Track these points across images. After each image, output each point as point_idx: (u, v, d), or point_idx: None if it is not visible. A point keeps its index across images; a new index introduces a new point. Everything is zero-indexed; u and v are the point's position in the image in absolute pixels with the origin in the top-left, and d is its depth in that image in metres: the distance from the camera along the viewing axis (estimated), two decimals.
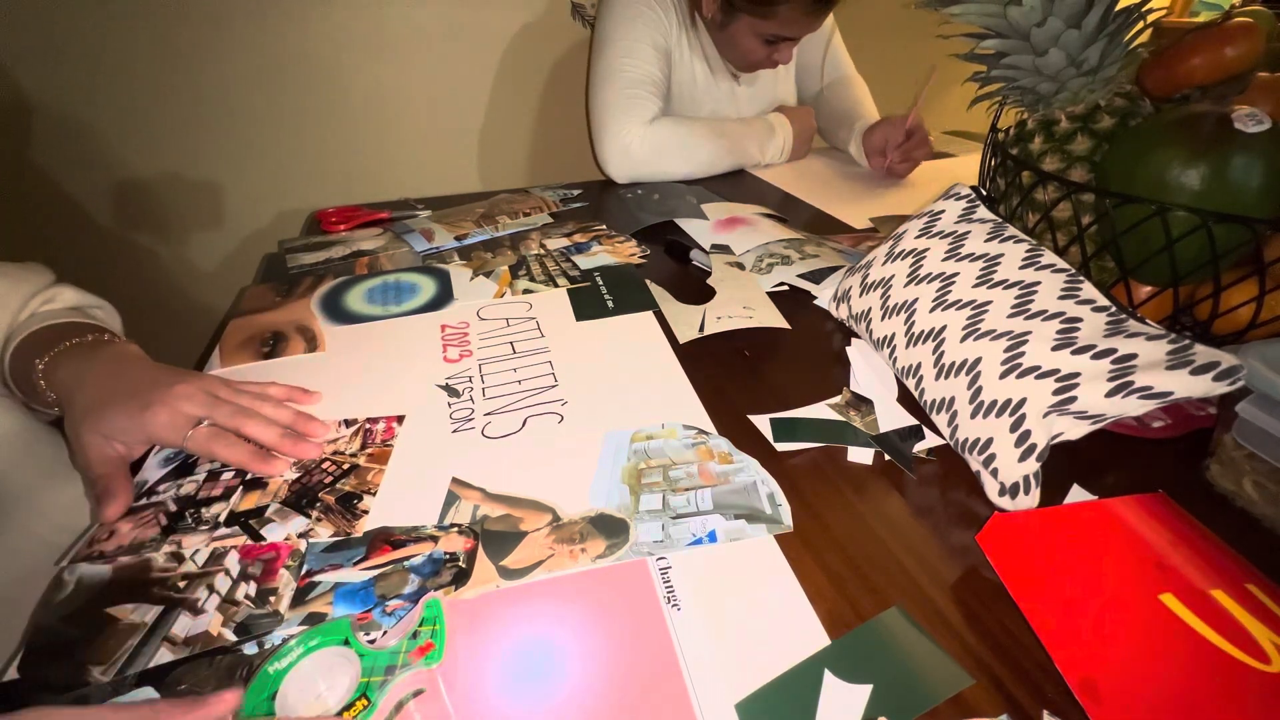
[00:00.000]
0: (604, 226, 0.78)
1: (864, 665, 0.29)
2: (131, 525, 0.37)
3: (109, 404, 0.40)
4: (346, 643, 0.30)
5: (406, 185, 1.29)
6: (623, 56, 0.92)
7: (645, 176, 0.94)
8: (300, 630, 0.31)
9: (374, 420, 0.46)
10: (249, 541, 0.36)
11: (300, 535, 0.37)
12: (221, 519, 0.38)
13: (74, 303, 0.49)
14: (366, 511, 0.38)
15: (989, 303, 0.42)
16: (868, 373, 0.49)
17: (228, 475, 0.41)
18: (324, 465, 0.42)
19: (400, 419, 0.46)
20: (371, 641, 0.30)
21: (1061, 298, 0.40)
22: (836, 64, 1.12)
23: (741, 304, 0.59)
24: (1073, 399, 0.35)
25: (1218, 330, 0.44)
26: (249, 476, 0.41)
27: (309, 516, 0.38)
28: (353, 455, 0.43)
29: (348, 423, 0.46)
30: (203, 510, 0.38)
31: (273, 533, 0.37)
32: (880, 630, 0.31)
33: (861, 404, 0.47)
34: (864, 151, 0.99)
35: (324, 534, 0.37)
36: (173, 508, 0.38)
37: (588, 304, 0.60)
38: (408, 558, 0.35)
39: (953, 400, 0.41)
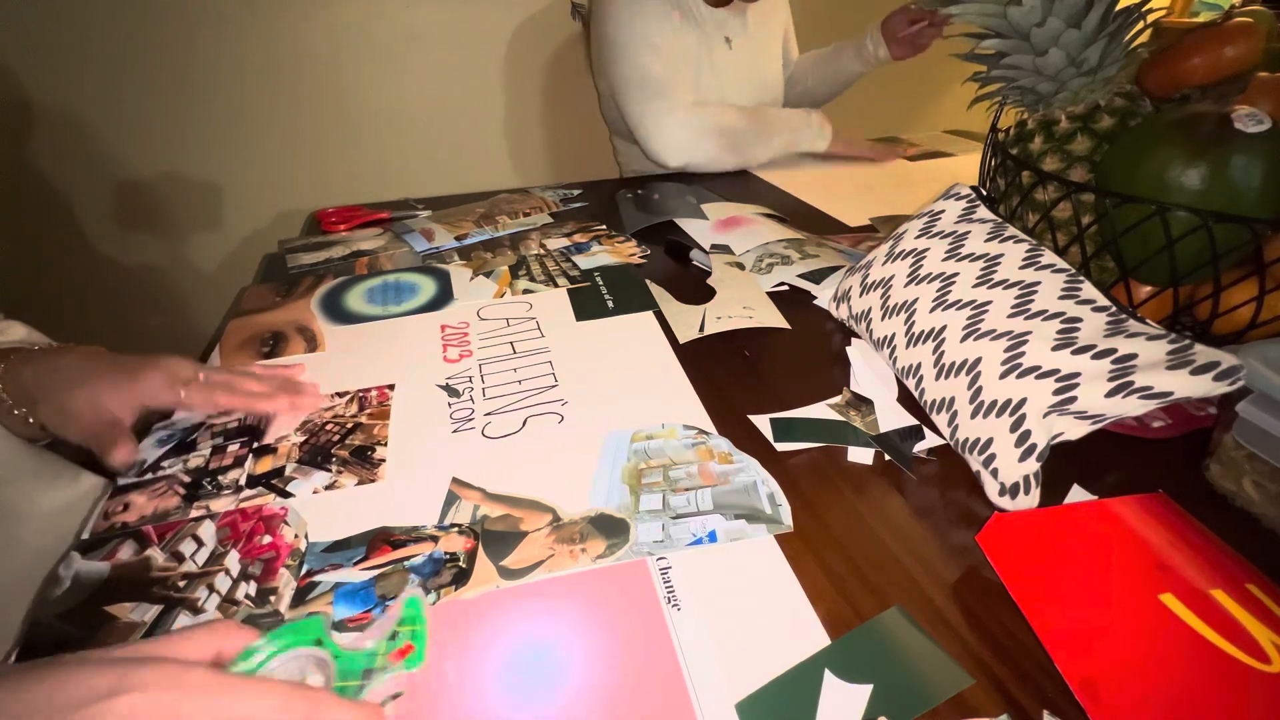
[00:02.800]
0: (604, 226, 0.78)
1: (864, 665, 0.29)
2: (147, 497, 0.39)
3: (94, 379, 0.41)
4: (319, 643, 0.28)
5: (406, 185, 1.29)
6: (645, 49, 0.93)
7: (698, 163, 0.95)
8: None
9: (366, 390, 0.49)
10: (278, 500, 0.39)
11: (327, 488, 0.40)
12: (242, 482, 0.40)
13: (23, 336, 0.49)
14: (384, 460, 0.42)
15: (989, 303, 0.42)
16: (868, 373, 0.49)
17: (234, 446, 0.43)
18: (327, 427, 0.45)
19: (391, 386, 0.49)
20: (348, 642, 0.29)
21: (1061, 298, 0.40)
22: (796, 50, 1.19)
23: (741, 304, 0.59)
24: (1073, 399, 0.35)
25: (1218, 330, 0.44)
26: (256, 445, 0.43)
27: (329, 470, 0.41)
28: (353, 416, 0.46)
29: (340, 394, 0.48)
30: (220, 477, 0.41)
31: (299, 488, 0.39)
32: (880, 630, 0.31)
33: (861, 404, 0.47)
34: (883, 38, 1.04)
35: (349, 484, 0.40)
36: (186, 479, 0.41)
37: (588, 304, 0.60)
38: (408, 558, 0.35)
39: (953, 400, 0.41)
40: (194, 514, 0.38)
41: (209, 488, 0.40)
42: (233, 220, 1.24)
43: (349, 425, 0.45)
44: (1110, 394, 0.34)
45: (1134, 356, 0.34)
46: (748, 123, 0.96)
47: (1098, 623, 0.30)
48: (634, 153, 1.10)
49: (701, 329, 0.56)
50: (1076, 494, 0.39)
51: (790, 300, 0.60)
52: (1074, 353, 0.36)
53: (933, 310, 0.45)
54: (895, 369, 0.48)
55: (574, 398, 0.48)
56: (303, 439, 0.44)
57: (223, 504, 0.39)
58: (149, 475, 0.41)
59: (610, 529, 0.37)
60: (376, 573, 0.34)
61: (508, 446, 0.43)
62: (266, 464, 0.42)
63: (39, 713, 0.21)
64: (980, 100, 0.55)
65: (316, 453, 0.42)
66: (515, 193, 0.92)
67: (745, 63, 1.05)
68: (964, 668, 0.30)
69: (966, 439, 0.39)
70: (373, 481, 0.40)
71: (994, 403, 0.38)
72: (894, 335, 0.47)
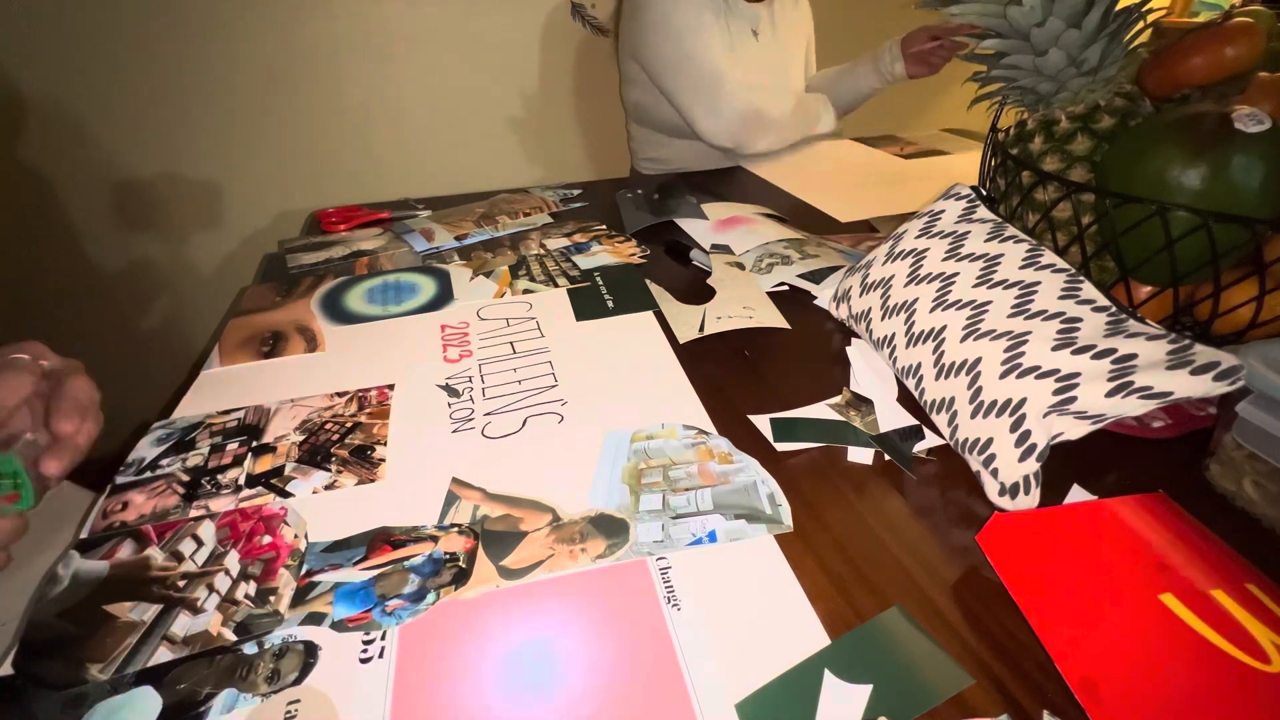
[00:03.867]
0: (604, 226, 0.78)
1: (864, 665, 0.29)
2: (145, 496, 0.39)
3: None
4: None
5: (406, 185, 1.29)
6: (695, 28, 0.96)
7: (749, 143, 0.99)
8: (301, 629, 0.31)
9: (365, 390, 0.49)
10: (277, 500, 0.39)
11: (327, 488, 0.39)
12: (241, 481, 0.40)
13: None
14: (384, 460, 0.42)
15: (989, 303, 0.42)
16: (868, 373, 0.49)
17: (233, 445, 0.43)
18: (326, 426, 0.44)
19: (391, 386, 0.49)
20: None
21: (1061, 298, 0.40)
22: (814, 67, 1.21)
23: (741, 304, 0.59)
24: (1073, 399, 0.35)
25: (1218, 330, 0.44)
26: (255, 444, 0.43)
27: (329, 470, 0.41)
28: (352, 416, 0.46)
29: (340, 394, 0.48)
30: (219, 476, 0.41)
31: (298, 488, 0.39)
32: (880, 630, 0.31)
33: (861, 404, 0.47)
34: (903, 53, 1.05)
35: (349, 483, 0.40)
36: (185, 478, 0.41)
37: (588, 304, 0.60)
38: (408, 558, 0.35)
39: (953, 400, 0.41)
40: (193, 513, 0.38)
41: (208, 487, 0.40)
42: (233, 220, 1.24)
43: (348, 425, 0.45)
44: (1110, 394, 0.34)
45: (1134, 356, 0.34)
46: (793, 106, 1.02)
47: (1098, 623, 0.30)
48: (650, 139, 1.11)
49: (701, 329, 0.56)
50: (1076, 494, 0.39)
51: (790, 300, 0.60)
52: (1074, 353, 0.36)
53: (933, 310, 0.45)
54: (895, 369, 0.48)
55: (574, 398, 0.48)
56: (302, 438, 0.44)
57: (222, 503, 0.39)
58: (147, 474, 0.41)
59: (610, 529, 0.37)
60: (376, 573, 0.34)
61: (508, 446, 0.43)
62: (266, 463, 0.42)
63: None
64: (980, 100, 0.55)
65: (316, 452, 0.42)
66: (515, 193, 0.92)
67: (769, 57, 1.07)
68: (964, 668, 0.29)
69: (966, 439, 0.39)
70: (372, 481, 0.40)
71: (994, 403, 0.38)
72: (894, 335, 0.47)
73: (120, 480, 0.41)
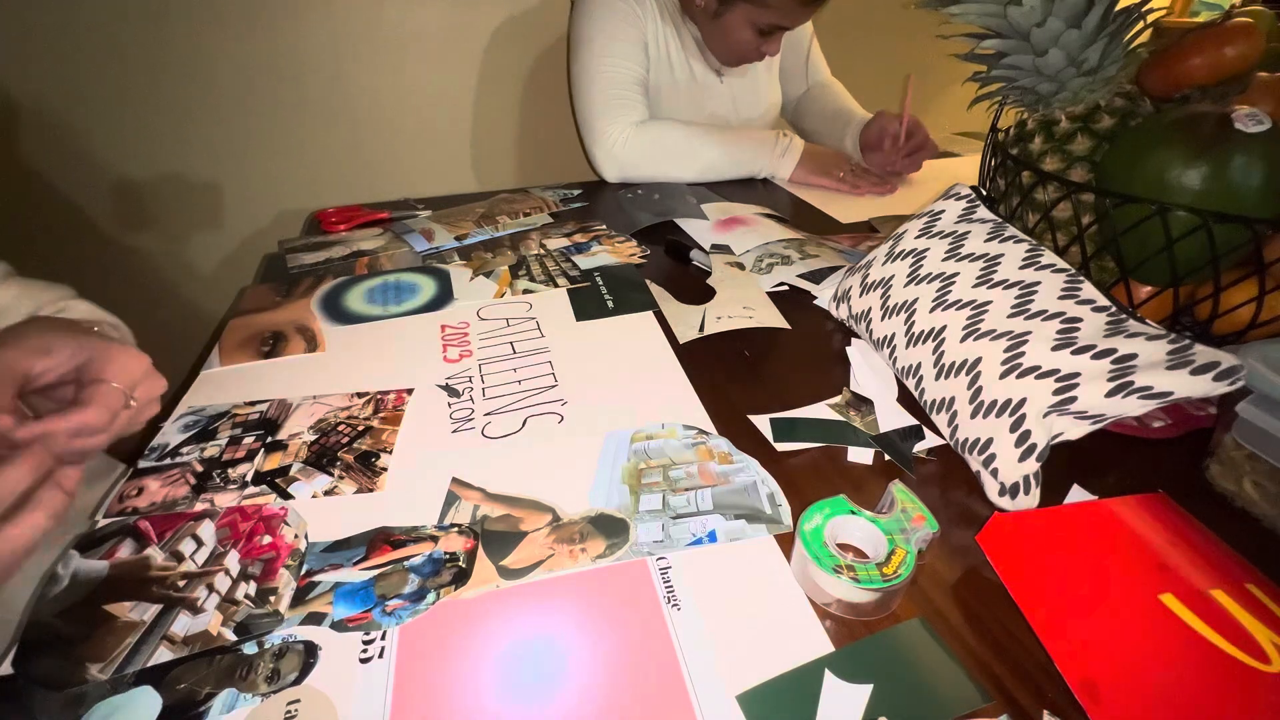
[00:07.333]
0: (604, 226, 0.78)
1: (870, 671, 0.29)
2: (160, 484, 0.40)
3: None
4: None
5: (406, 185, 1.29)
6: (603, 56, 0.91)
7: (637, 178, 0.94)
8: (301, 629, 0.31)
9: (385, 392, 0.49)
10: (278, 500, 0.39)
11: (326, 493, 0.40)
12: (249, 478, 0.40)
13: (83, 314, 0.47)
14: (385, 469, 0.41)
15: (989, 303, 0.42)
16: (868, 373, 0.49)
17: (249, 439, 0.44)
18: (339, 428, 0.45)
19: (410, 391, 0.49)
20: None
21: (1061, 298, 0.40)
22: (818, 68, 1.14)
23: (741, 304, 0.59)
24: (1073, 399, 0.35)
25: (1218, 330, 0.44)
26: (269, 439, 0.43)
27: (331, 475, 0.41)
28: (366, 419, 0.46)
29: (360, 395, 0.48)
30: (229, 470, 0.41)
31: (299, 490, 0.40)
32: (892, 641, 0.31)
33: (861, 404, 0.47)
34: (859, 147, 0.99)
35: (348, 490, 0.40)
36: (199, 468, 0.41)
37: (588, 304, 0.60)
38: (408, 558, 0.35)
39: (953, 400, 0.41)
40: (198, 506, 0.38)
41: (217, 480, 0.40)
42: (233, 220, 1.24)
43: (360, 428, 0.45)
44: (1110, 394, 0.34)
45: (1134, 356, 0.34)
46: (695, 141, 0.92)
47: (1098, 623, 0.30)
48: None
49: (701, 329, 0.56)
50: (1076, 494, 0.39)
51: (790, 300, 0.60)
52: (1074, 353, 0.36)
53: (933, 310, 0.44)
54: (895, 369, 0.48)
55: (574, 398, 0.48)
56: (314, 438, 0.44)
57: (227, 499, 0.39)
58: (167, 460, 0.42)
59: (610, 529, 0.37)
60: (376, 573, 0.34)
61: (508, 446, 0.43)
62: (275, 460, 0.42)
63: None
64: (980, 100, 0.55)
65: (323, 454, 0.42)
66: (515, 193, 0.92)
67: (735, 96, 1.03)
68: (964, 666, 0.29)
69: (966, 439, 0.39)
70: (371, 491, 0.40)
71: (994, 403, 0.38)
72: (894, 335, 0.47)
73: (143, 465, 0.41)
